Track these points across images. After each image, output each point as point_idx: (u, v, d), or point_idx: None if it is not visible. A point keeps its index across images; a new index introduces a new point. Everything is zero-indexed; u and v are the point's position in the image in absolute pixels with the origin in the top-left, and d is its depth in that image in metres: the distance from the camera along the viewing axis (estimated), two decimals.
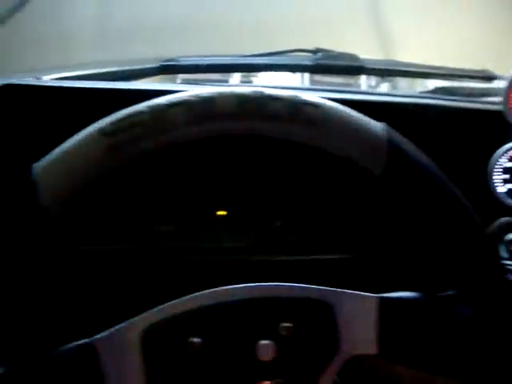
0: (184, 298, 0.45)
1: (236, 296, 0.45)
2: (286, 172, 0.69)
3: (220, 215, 0.69)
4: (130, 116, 0.43)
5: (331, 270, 0.69)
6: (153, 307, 0.57)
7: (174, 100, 0.43)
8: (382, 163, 0.45)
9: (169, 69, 0.79)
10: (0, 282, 0.41)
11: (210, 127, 0.44)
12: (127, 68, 0.77)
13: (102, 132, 0.42)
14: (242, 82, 1.18)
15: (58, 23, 0.84)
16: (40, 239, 0.42)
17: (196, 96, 0.44)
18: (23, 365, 0.40)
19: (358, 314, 0.46)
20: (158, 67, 0.79)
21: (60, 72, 0.79)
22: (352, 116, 0.46)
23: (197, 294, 0.46)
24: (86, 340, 0.43)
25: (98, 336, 0.43)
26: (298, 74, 1.12)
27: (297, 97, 0.45)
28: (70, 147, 0.42)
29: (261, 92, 0.45)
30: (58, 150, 0.42)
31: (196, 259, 0.65)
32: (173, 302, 0.45)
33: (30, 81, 0.58)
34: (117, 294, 0.60)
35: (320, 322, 0.46)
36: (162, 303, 0.56)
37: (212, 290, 0.46)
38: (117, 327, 0.44)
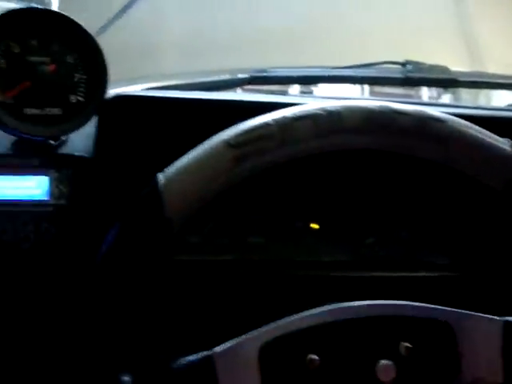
0: (303, 314, 0.45)
1: (357, 313, 0.44)
2: (382, 184, 0.68)
3: (314, 229, 0.68)
4: (256, 128, 0.42)
5: (430, 288, 0.67)
6: (252, 320, 0.57)
7: (300, 113, 0.43)
8: (507, 178, 0.44)
9: (259, 79, 0.79)
10: (123, 293, 0.41)
11: (335, 141, 0.43)
12: (219, 78, 0.78)
13: (229, 144, 0.42)
14: (302, 92, 1.17)
15: (153, 34, 0.86)
16: (161, 251, 0.42)
17: (322, 109, 0.43)
18: (147, 375, 0.40)
19: (482, 337, 0.45)
20: (248, 78, 0.79)
21: (148, 82, 0.81)
22: (479, 132, 0.45)
23: (316, 310, 0.45)
24: (205, 352, 0.42)
25: (217, 349, 0.43)
26: (357, 86, 1.11)
27: (424, 112, 0.44)
28: (195, 158, 0.42)
29: (387, 106, 0.44)
30: (182, 161, 0.42)
31: (292, 273, 0.64)
32: (292, 317, 0.44)
33: (140, 92, 0.59)
34: (215, 305, 0.60)
35: (442, 343, 0.45)
36: (263, 317, 0.55)
37: (332, 306, 0.45)
38: (235, 341, 0.43)
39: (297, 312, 0.61)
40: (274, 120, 0.43)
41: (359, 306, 0.44)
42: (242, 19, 0.85)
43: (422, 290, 0.66)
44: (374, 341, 0.44)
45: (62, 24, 0.55)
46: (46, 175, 0.58)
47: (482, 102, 1.19)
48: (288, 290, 0.62)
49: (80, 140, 0.63)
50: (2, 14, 0.53)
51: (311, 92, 0.93)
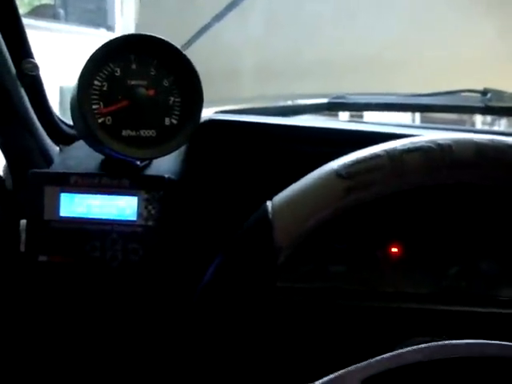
0: (403, 351, 0.43)
1: (462, 352, 0.43)
2: (467, 215, 0.66)
3: (396, 258, 0.67)
4: (367, 159, 0.42)
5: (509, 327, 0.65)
6: (334, 350, 0.56)
7: (410, 145, 0.43)
8: None
9: (337, 105, 0.79)
10: (224, 325, 0.41)
11: (445, 175, 0.43)
12: (298, 103, 0.78)
13: (339, 174, 0.42)
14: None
15: (230, 55, 0.87)
16: (267, 281, 0.41)
17: (433, 143, 0.43)
18: None
19: None
20: (327, 103, 0.79)
21: (221, 105, 0.81)
22: None
23: (415, 347, 0.44)
24: None
25: (320, 381, 0.42)
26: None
27: None
28: (304, 187, 0.42)
29: (499, 141, 0.43)
30: (291, 189, 0.42)
31: (373, 304, 0.63)
32: (391, 353, 0.43)
33: (231, 117, 0.59)
34: (298, 335, 0.60)
35: None
36: (344, 347, 0.54)
37: (430, 344, 0.44)
38: (337, 373, 0.43)
39: (376, 344, 0.60)
40: (384, 151, 0.42)
41: (466, 345, 0.43)
42: (324, 45, 0.85)
43: (502, 328, 0.64)
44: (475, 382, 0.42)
45: (159, 48, 0.56)
46: (135, 196, 0.59)
47: None
48: (367, 321, 0.61)
49: (164, 162, 0.64)
50: (106, 43, 0.54)
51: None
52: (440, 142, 0.43)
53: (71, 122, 0.76)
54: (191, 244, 0.59)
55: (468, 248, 0.67)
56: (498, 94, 0.84)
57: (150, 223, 0.58)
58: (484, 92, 0.84)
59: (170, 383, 0.57)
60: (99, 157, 0.65)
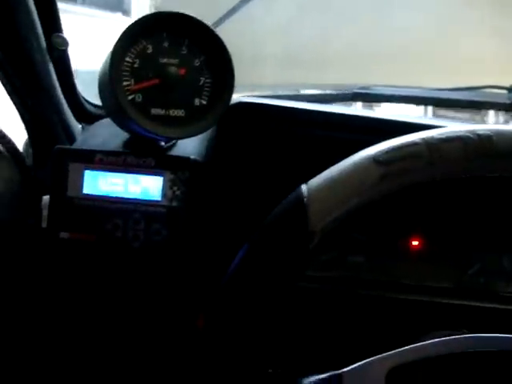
0: (436, 341, 0.43)
1: (492, 346, 0.42)
2: (492, 209, 0.66)
3: (418, 250, 0.66)
4: (404, 146, 0.41)
5: None
6: (353, 340, 0.56)
7: (449, 134, 0.42)
8: None
9: (361, 96, 0.79)
10: (254, 312, 0.41)
11: (483, 166, 0.42)
12: (324, 92, 0.77)
13: (376, 160, 0.41)
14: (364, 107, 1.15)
15: (255, 41, 0.86)
16: (298, 267, 0.41)
17: (472, 132, 0.42)
18: None
19: None
20: (352, 94, 0.78)
21: (242, 92, 0.81)
22: None
23: (447, 339, 0.43)
24: (335, 372, 0.41)
25: (347, 369, 0.42)
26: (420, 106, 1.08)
27: None
28: (341, 172, 0.41)
29: None
30: (327, 174, 0.42)
31: (394, 296, 0.62)
32: (423, 343, 0.43)
33: (261, 100, 0.59)
34: (317, 324, 0.59)
35: None
36: (362, 337, 0.54)
37: (461, 336, 0.43)
38: (365, 362, 0.42)
39: (393, 335, 0.60)
40: (422, 139, 0.42)
41: (495, 338, 0.43)
42: (351, 34, 0.84)
43: None
44: (506, 376, 0.42)
45: (191, 27, 0.55)
46: (160, 175, 0.58)
47: None
48: (386, 312, 0.60)
49: (189, 144, 0.63)
50: (139, 19, 0.54)
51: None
52: (479, 132, 0.42)
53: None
54: (217, 227, 0.58)
55: (490, 244, 0.66)
56: None
57: (174, 204, 0.58)
58: (510, 88, 0.83)
59: (190, 369, 0.56)
60: (123, 136, 0.64)
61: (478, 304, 0.64)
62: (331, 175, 0.41)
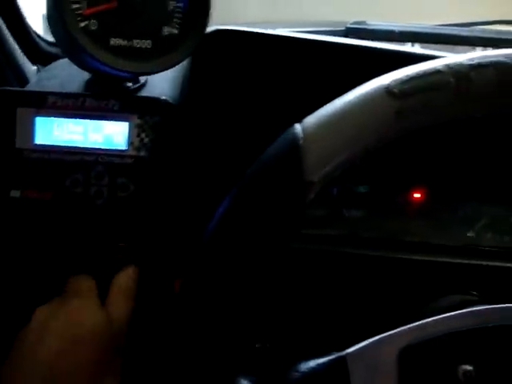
0: (450, 315, 0.36)
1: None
2: (499, 163, 0.59)
3: (420, 205, 0.59)
4: (425, 75, 0.33)
5: None
6: (352, 304, 0.49)
7: (480, 60, 0.34)
8: None
9: (355, 32, 0.70)
10: (241, 277, 0.33)
11: None
12: (313, 29, 0.68)
13: (391, 92, 0.33)
14: None
15: None
16: (295, 223, 0.33)
17: (507, 56, 0.34)
18: (270, 378, 0.32)
19: None
20: (345, 29, 0.69)
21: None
22: None
23: (464, 311, 0.36)
24: (339, 354, 0.34)
25: (351, 350, 0.34)
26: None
27: None
28: (344, 107, 0.33)
29: None
30: (327, 110, 0.33)
31: (395, 255, 0.55)
32: (436, 318, 0.36)
33: (243, 27, 0.49)
34: (311, 288, 0.52)
35: None
36: (364, 301, 0.47)
37: (484, 307, 0.36)
38: (371, 341, 0.35)
39: (399, 297, 0.53)
40: (447, 66, 0.33)
41: None
42: None
43: None
44: None
45: None
46: (126, 121, 0.49)
47: None
48: (391, 275, 0.53)
49: (160, 84, 0.54)
50: None
51: None
52: None
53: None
54: (194, 179, 0.50)
55: (498, 196, 0.59)
56: None
57: (142, 153, 0.49)
58: None
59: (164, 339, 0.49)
60: (84, 77, 0.55)
61: (485, 263, 0.58)
62: (333, 111, 0.33)
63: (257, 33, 0.48)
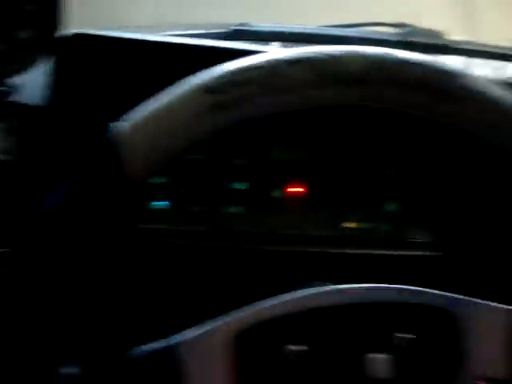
0: (283, 299, 0.38)
1: (347, 298, 0.38)
2: (372, 150, 0.61)
3: (294, 198, 0.61)
4: (241, 71, 0.35)
5: (412, 268, 0.61)
6: (224, 300, 0.50)
7: (295, 56, 0.36)
8: None
9: (240, 34, 0.71)
10: (71, 265, 0.34)
11: (335, 92, 0.36)
12: (196, 32, 0.69)
13: (206, 88, 0.34)
14: None
15: None
16: (120, 216, 0.34)
17: (322, 53, 0.36)
18: (98, 366, 0.33)
19: (487, 328, 0.39)
20: (225, 32, 0.71)
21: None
22: (500, 92, 0.38)
23: (298, 294, 0.38)
24: (166, 341, 0.35)
25: (180, 337, 0.35)
26: None
27: (439, 63, 0.37)
28: (162, 105, 0.34)
29: (394, 55, 0.37)
30: (146, 108, 0.35)
31: (270, 248, 0.57)
32: (270, 302, 0.37)
33: (106, 32, 0.50)
34: (181, 282, 0.53)
35: (441, 334, 0.38)
36: (235, 296, 0.49)
37: (317, 290, 0.38)
38: (204, 328, 0.36)
39: (274, 291, 0.55)
40: (264, 62, 0.35)
41: (347, 289, 0.38)
42: None
43: (405, 270, 0.60)
44: (363, 331, 0.37)
45: None
46: None
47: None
48: (264, 266, 0.55)
49: (26, 88, 0.54)
50: None
51: None
52: (331, 52, 0.36)
53: None
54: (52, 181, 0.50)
55: (371, 188, 0.62)
56: (415, 29, 0.78)
57: (6, 157, 0.50)
58: (397, 25, 0.79)
59: None
60: None
61: (359, 251, 0.60)
62: (151, 107, 0.34)
63: (112, 37, 0.49)
